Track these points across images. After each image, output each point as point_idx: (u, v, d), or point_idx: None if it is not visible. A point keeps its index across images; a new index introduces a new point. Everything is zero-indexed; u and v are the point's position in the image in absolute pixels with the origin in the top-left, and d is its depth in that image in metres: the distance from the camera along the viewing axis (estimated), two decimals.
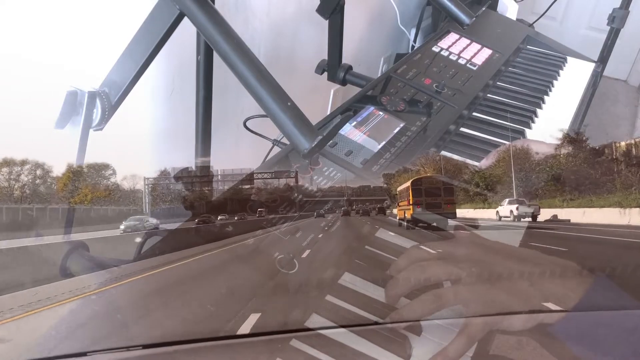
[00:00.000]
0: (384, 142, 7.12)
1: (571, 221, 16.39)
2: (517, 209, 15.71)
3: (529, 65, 7.82)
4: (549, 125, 6.86)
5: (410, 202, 12.72)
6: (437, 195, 12.81)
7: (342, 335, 1.54)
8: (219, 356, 1.83)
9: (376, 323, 1.56)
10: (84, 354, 2.21)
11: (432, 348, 1.37)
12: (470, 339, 1.28)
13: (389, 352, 1.37)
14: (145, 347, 1.88)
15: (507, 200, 16.66)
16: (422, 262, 1.21)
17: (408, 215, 13.12)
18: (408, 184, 13.02)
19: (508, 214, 16.10)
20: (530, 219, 15.98)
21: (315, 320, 1.68)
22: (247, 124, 7.27)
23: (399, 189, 15.70)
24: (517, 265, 1.28)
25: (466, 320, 1.21)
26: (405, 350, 1.33)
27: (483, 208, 18.05)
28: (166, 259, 10.80)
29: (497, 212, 16.86)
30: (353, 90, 7.40)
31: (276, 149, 7.88)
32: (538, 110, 7.08)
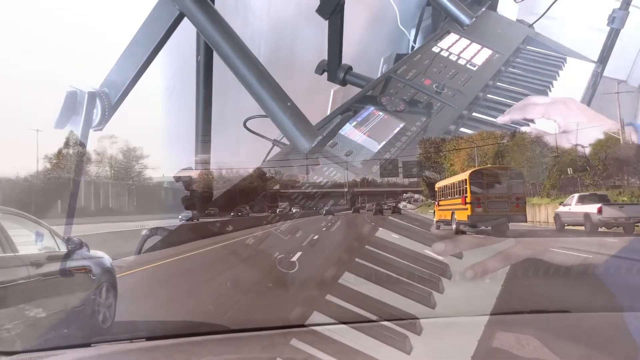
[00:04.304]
0: (384, 142, 7.13)
1: None
2: (599, 211, 8.64)
3: (529, 66, 7.83)
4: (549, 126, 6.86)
5: (467, 200, 9.78)
6: (503, 192, 9.84)
7: (342, 331, 1.56)
8: (220, 349, 1.86)
9: (377, 320, 1.58)
10: (88, 345, 2.24)
11: (431, 345, 1.38)
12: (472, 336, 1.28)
13: (390, 348, 1.38)
14: (148, 339, 1.94)
15: (575, 196, 9.48)
16: None
17: (460, 217, 10.32)
18: (464, 176, 10.05)
19: (580, 220, 9.08)
20: (622, 229, 8.75)
21: (316, 318, 1.69)
22: (247, 124, 7.27)
23: (440, 184, 12.04)
24: None
25: (466, 319, 1.21)
26: (405, 347, 1.34)
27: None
28: None
29: (557, 215, 9.68)
30: (353, 90, 7.41)
31: (276, 149, 7.87)
32: None
